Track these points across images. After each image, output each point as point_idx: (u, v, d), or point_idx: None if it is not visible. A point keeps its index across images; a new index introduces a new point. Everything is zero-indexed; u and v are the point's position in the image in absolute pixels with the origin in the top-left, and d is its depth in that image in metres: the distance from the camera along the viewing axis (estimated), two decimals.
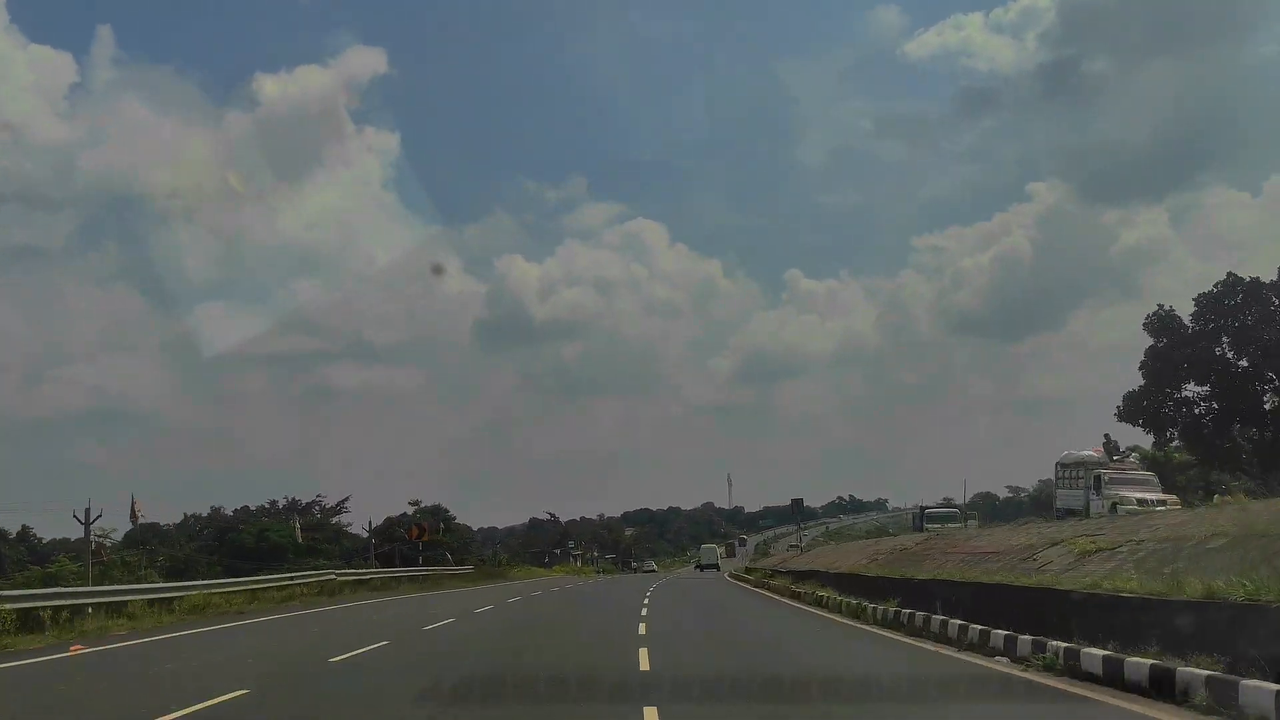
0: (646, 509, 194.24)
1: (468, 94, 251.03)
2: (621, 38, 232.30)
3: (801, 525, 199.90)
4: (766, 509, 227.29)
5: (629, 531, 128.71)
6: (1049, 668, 11.84)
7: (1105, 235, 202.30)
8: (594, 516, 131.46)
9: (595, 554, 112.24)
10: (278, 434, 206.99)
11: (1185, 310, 49.75)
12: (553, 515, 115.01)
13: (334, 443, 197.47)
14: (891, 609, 19.09)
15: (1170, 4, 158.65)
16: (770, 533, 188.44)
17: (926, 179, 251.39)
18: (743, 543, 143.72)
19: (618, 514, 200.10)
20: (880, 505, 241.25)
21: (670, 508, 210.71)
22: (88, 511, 30.86)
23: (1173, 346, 48.85)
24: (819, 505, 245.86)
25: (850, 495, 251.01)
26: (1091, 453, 36.98)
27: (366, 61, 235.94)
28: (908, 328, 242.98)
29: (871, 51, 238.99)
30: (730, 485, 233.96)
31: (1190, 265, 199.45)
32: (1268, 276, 48.06)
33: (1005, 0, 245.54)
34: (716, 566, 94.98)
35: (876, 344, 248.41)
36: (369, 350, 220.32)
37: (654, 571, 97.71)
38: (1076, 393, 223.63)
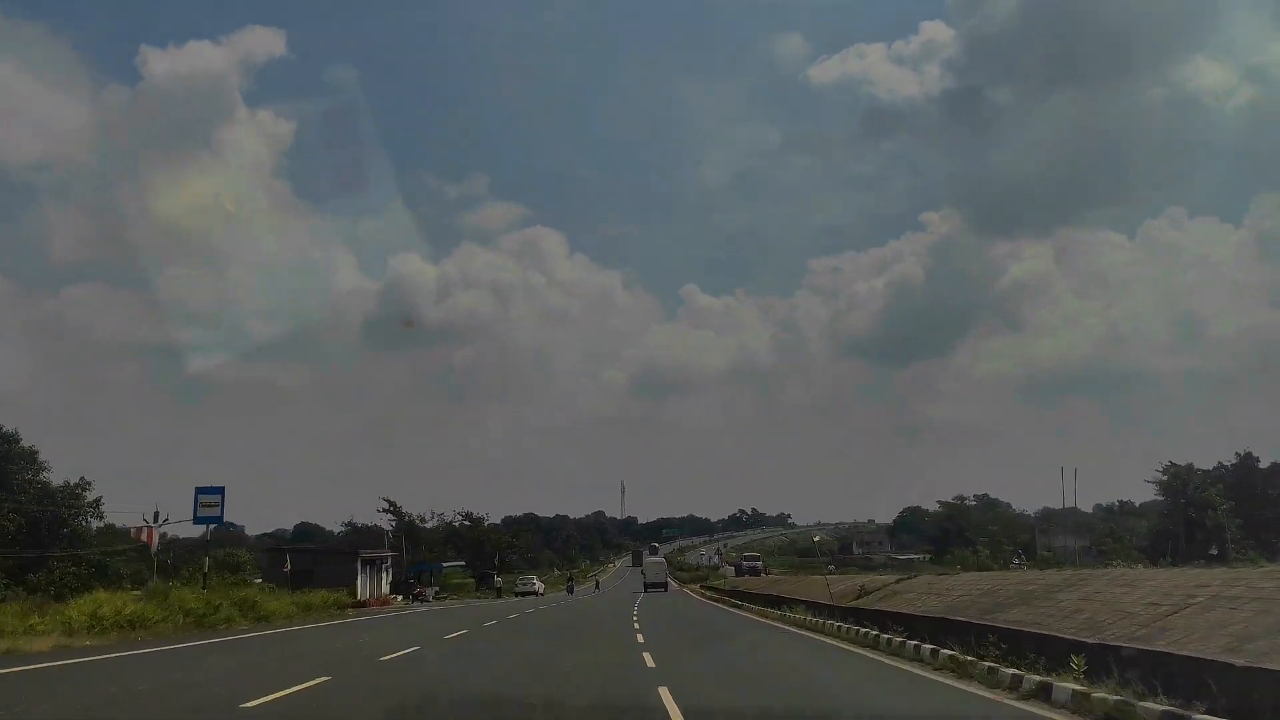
0: (532, 514, 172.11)
1: (371, 82, 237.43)
2: (529, 44, 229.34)
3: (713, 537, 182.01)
4: (662, 519, 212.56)
5: (502, 530, 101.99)
6: None
7: (994, 267, 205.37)
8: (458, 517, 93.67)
9: (447, 562, 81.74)
10: (142, 425, 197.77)
11: None
12: (393, 504, 78.33)
13: (205, 437, 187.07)
14: None
15: (1063, 41, 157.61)
16: (674, 544, 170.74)
17: (826, 202, 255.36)
18: (654, 550, 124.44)
19: (498, 519, 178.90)
20: (783, 520, 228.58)
21: (558, 515, 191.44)
22: None
23: None
24: (717, 519, 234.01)
25: (752, 508, 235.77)
26: None
27: (264, 43, 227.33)
28: (801, 347, 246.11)
29: (776, 75, 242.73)
30: (624, 493, 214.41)
31: (1069, 302, 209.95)
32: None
33: (907, 34, 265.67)
34: (665, 585, 76.67)
35: (771, 362, 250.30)
36: (249, 343, 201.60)
37: (536, 594, 69.58)
38: (960, 419, 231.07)
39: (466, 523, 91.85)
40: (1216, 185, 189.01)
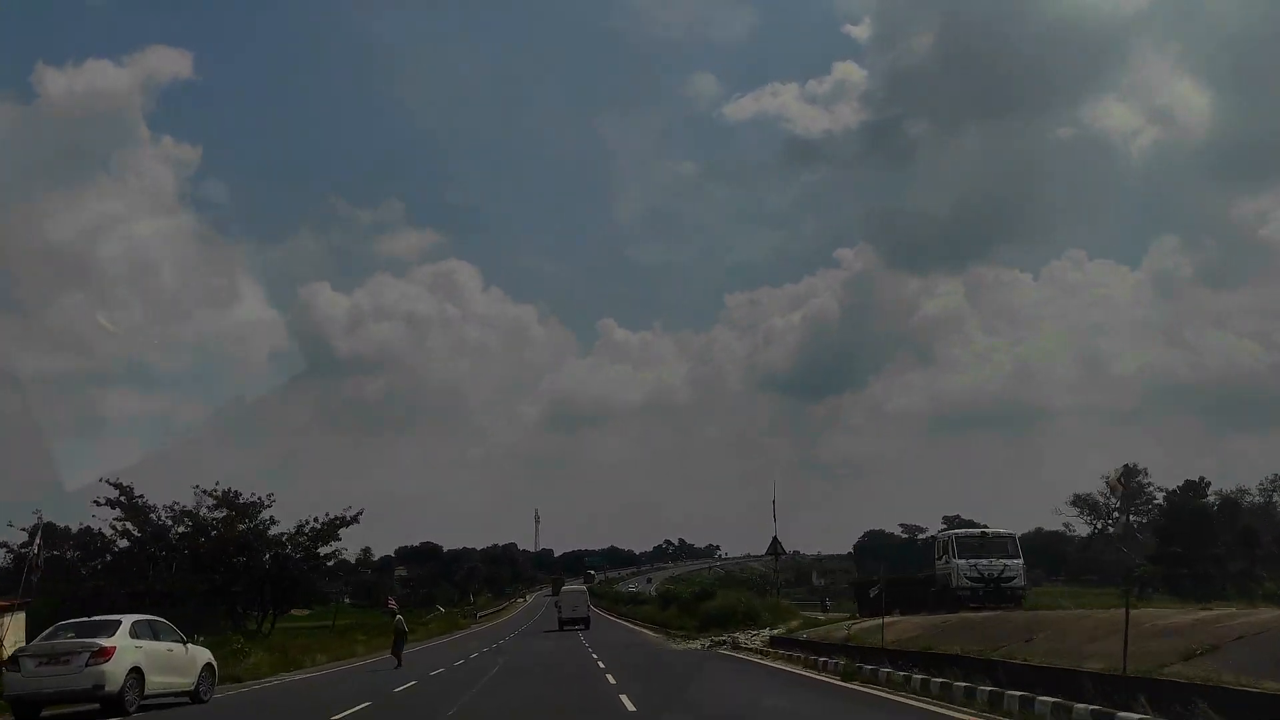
0: (430, 542, 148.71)
1: (281, 106, 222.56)
2: (441, 72, 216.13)
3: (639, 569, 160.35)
4: (582, 551, 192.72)
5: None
6: None
7: (908, 303, 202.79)
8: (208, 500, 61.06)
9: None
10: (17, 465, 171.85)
11: None
12: (125, 490, 41.48)
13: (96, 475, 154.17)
14: None
15: (976, 80, 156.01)
16: (602, 574, 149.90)
17: (742, 238, 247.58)
18: (589, 579, 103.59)
19: (390, 551, 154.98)
20: (711, 552, 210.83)
21: (465, 548, 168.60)
22: None
23: None
24: (641, 551, 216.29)
25: (679, 539, 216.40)
26: None
27: (169, 63, 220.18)
28: (720, 381, 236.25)
29: (690, 113, 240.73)
30: (538, 523, 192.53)
31: (979, 339, 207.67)
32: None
33: (820, 74, 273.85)
34: (586, 621, 57.95)
35: (690, 396, 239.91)
36: (147, 376, 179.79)
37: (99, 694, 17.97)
38: (875, 454, 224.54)
39: (216, 513, 45.04)
40: (1118, 226, 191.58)
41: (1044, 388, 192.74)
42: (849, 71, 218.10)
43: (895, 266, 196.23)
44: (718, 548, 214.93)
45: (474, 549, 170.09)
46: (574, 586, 73.19)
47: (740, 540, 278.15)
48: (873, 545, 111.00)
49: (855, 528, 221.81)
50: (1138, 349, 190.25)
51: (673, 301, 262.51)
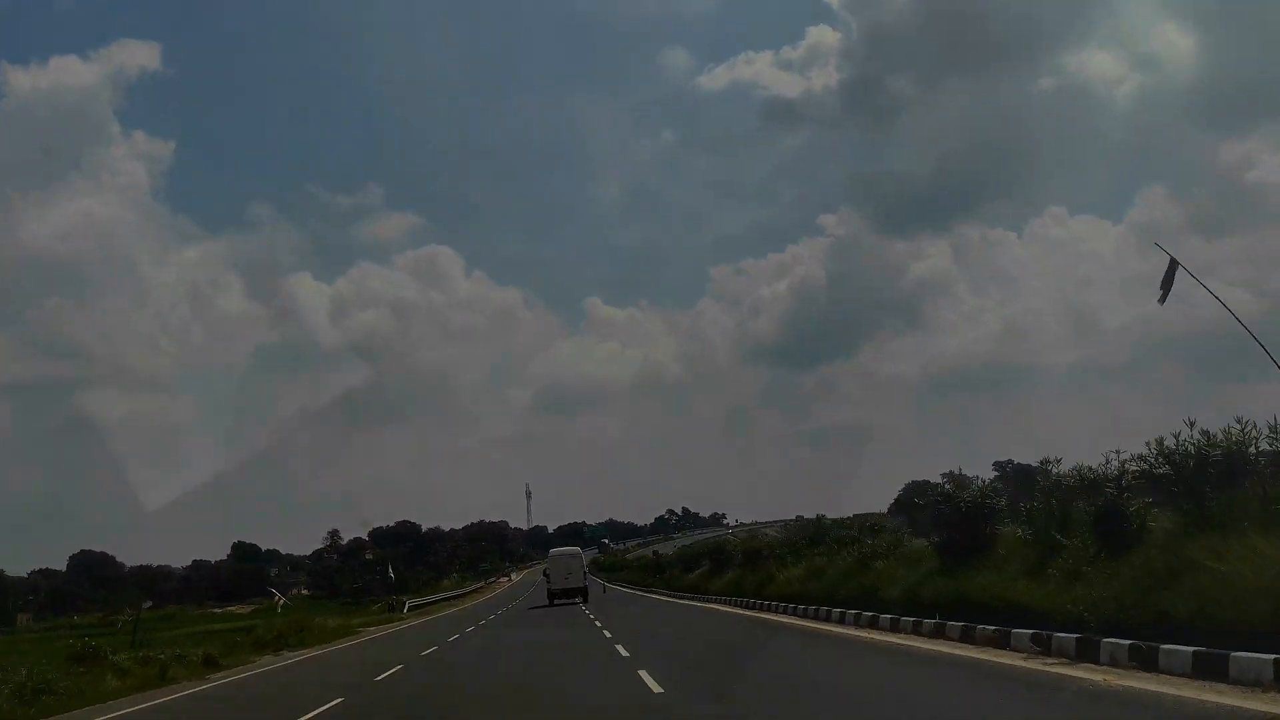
0: (407, 521, 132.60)
1: (252, 94, 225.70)
2: (416, 56, 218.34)
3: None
4: (580, 524, 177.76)
5: None
6: None
7: (895, 266, 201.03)
8: None
9: None
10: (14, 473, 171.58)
11: None
12: None
13: (89, 480, 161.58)
14: None
15: (954, 33, 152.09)
16: (607, 546, 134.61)
17: (723, 209, 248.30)
18: (603, 548, 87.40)
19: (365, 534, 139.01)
20: (718, 521, 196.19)
21: (449, 528, 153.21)
22: None
23: None
24: (642, 523, 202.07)
25: (683, 508, 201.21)
26: None
27: (136, 56, 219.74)
28: (709, 354, 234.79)
29: (666, 88, 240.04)
30: (529, 498, 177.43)
31: (968, 300, 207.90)
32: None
33: (794, 41, 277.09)
34: (584, 592, 48.99)
35: (680, 370, 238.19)
36: (132, 376, 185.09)
37: None
38: (868, 420, 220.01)
39: None
40: (1104, 178, 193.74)
41: (1037, 345, 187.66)
42: (823, 35, 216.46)
43: (880, 230, 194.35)
44: (724, 516, 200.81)
45: (456, 529, 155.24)
46: (568, 549, 58.04)
47: (744, 509, 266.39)
48: (916, 501, 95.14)
49: (874, 486, 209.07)
50: (1127, 303, 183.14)
51: (658, 277, 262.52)
